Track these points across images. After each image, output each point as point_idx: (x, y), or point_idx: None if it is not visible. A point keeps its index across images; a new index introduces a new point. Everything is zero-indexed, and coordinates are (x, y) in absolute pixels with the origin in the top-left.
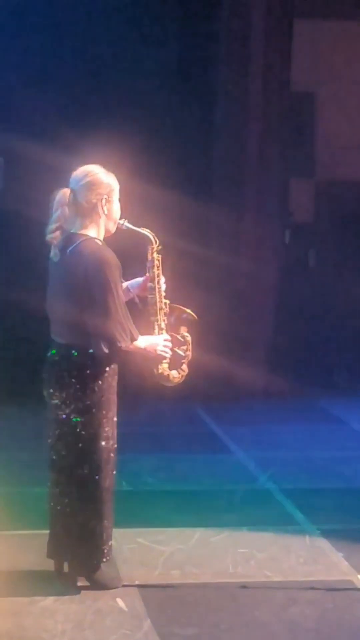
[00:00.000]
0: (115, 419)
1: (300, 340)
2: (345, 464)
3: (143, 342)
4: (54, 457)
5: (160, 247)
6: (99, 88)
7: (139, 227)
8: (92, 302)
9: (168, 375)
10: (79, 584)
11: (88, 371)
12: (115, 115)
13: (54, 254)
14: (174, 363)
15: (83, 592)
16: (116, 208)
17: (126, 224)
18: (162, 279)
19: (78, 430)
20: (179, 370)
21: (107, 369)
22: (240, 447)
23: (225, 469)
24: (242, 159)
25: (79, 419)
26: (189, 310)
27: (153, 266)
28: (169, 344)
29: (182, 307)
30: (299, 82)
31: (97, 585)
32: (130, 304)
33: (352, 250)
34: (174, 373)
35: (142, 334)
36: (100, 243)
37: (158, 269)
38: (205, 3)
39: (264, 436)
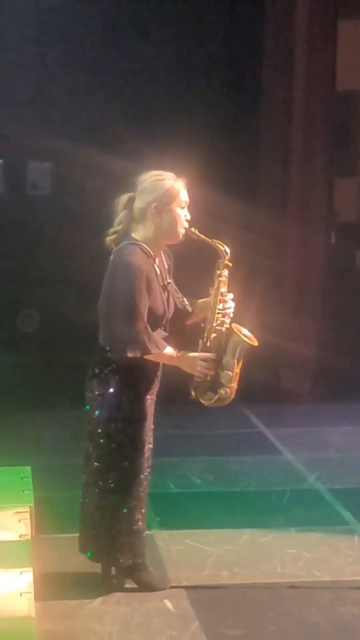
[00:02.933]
0: (150, 426)
1: (348, 342)
2: None
3: (173, 353)
4: (85, 459)
5: (228, 263)
6: (146, 97)
7: (211, 238)
8: (111, 306)
9: (202, 394)
10: (127, 585)
11: (110, 376)
12: (162, 121)
13: (110, 255)
14: (215, 384)
15: (130, 594)
16: (176, 216)
17: (197, 233)
18: (229, 296)
19: (103, 433)
20: (219, 392)
21: (135, 373)
22: (289, 448)
23: (274, 470)
24: (286, 160)
25: (106, 423)
26: (244, 337)
27: (215, 282)
28: (204, 364)
29: (239, 331)
30: (343, 81)
31: (145, 586)
32: (195, 327)
33: None
34: (209, 395)
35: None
36: (140, 248)
37: (220, 284)
38: (248, 5)
39: (313, 437)
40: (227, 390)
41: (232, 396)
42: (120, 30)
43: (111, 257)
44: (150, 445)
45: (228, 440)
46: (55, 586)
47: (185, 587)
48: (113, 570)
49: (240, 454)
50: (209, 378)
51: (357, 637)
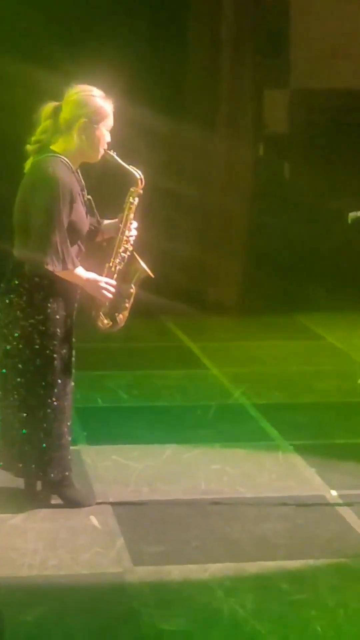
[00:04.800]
0: (70, 340)
1: (275, 255)
2: (319, 379)
3: (82, 273)
4: (3, 376)
5: (142, 191)
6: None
7: (128, 163)
8: (32, 218)
9: (100, 318)
10: (53, 501)
11: (33, 289)
12: (86, 31)
13: (25, 164)
14: (112, 309)
15: (56, 509)
16: (100, 136)
17: (115, 156)
18: (134, 224)
19: (21, 346)
20: (114, 318)
21: (55, 287)
22: (214, 363)
23: (199, 385)
24: (215, 69)
25: (28, 338)
26: (144, 266)
27: (126, 208)
28: (111, 289)
29: (140, 260)
30: None
31: (71, 502)
32: (97, 246)
33: (327, 162)
34: (105, 319)
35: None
36: (62, 162)
37: (130, 211)
38: None
39: (238, 351)
40: (122, 317)
41: (123, 324)
42: None
43: (28, 167)
44: (73, 358)
45: (154, 354)
46: None
47: (111, 504)
48: (38, 486)
49: (165, 368)
50: (107, 303)
51: (280, 553)
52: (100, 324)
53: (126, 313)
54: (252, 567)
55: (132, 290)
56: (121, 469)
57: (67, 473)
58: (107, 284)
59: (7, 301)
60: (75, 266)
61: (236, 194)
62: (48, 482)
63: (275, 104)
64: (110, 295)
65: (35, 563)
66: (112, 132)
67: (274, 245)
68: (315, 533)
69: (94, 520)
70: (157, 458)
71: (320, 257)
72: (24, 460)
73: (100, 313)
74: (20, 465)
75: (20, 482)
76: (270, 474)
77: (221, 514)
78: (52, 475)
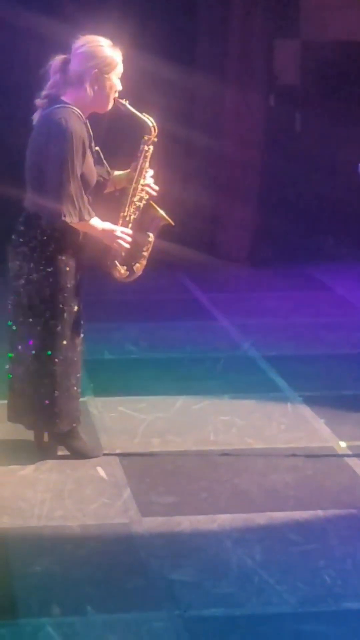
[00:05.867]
0: (79, 292)
1: (286, 206)
2: (329, 330)
3: (98, 224)
4: (10, 324)
5: (155, 139)
6: None
7: (141, 112)
8: (46, 170)
9: (117, 268)
10: (60, 453)
11: (44, 241)
12: None
13: (34, 116)
14: (128, 259)
15: (63, 461)
16: (112, 85)
17: (127, 105)
18: (149, 173)
19: (31, 298)
20: (131, 267)
21: (66, 240)
22: (224, 314)
23: (209, 336)
24: (225, 19)
25: (32, 287)
26: (163, 214)
27: (140, 156)
28: (127, 238)
29: (158, 207)
30: None
31: (78, 454)
32: (110, 196)
33: (338, 113)
34: (122, 268)
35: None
36: (74, 112)
37: (144, 161)
38: None
39: (248, 303)
40: (139, 266)
41: (140, 273)
42: None
43: (38, 119)
44: (82, 311)
45: (163, 306)
46: None
47: (118, 455)
48: (46, 437)
49: (175, 320)
50: (123, 254)
51: (288, 504)
52: (117, 273)
53: (144, 262)
54: (261, 518)
55: (150, 239)
56: (128, 421)
57: (74, 425)
58: (123, 233)
59: (19, 253)
60: (91, 216)
61: (248, 145)
62: (56, 433)
63: (286, 55)
64: (127, 245)
65: (42, 514)
66: (123, 83)
67: (285, 195)
68: (324, 484)
69: (100, 471)
70: (165, 409)
71: (330, 207)
72: (34, 411)
73: (116, 262)
74: (30, 417)
75: (30, 434)
76: (279, 425)
77: (230, 465)
78: (60, 426)
